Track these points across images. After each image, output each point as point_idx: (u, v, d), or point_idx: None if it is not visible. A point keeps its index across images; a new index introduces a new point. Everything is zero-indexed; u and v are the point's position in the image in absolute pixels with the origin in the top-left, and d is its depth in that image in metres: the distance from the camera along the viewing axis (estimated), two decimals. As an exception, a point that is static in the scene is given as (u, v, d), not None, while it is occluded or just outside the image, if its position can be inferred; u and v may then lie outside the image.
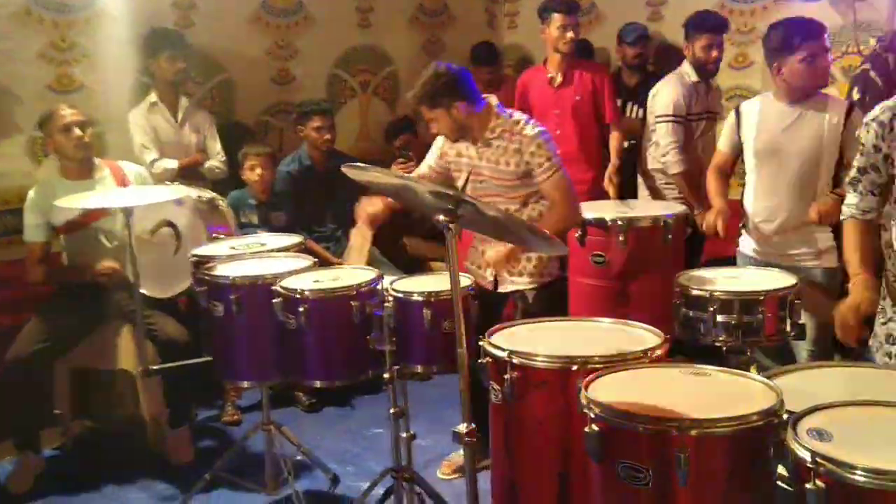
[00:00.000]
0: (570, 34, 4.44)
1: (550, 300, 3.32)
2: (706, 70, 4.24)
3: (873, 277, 2.36)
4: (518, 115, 3.27)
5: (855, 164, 2.42)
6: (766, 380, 1.98)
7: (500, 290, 3.34)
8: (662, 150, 4.23)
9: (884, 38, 4.18)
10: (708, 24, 4.23)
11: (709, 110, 4.37)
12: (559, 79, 4.57)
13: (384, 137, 5.52)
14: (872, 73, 4.14)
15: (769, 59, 3.35)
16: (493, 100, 3.26)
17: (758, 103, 3.46)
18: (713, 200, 3.55)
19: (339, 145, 4.89)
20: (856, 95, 4.14)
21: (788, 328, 2.97)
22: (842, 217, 2.55)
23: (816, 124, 3.28)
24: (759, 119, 3.41)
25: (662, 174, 4.36)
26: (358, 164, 2.28)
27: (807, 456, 1.58)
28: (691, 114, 4.24)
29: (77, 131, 3.71)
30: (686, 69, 4.27)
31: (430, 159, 3.45)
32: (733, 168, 3.62)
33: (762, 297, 2.92)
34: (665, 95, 4.25)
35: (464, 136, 3.23)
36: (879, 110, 2.32)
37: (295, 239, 3.59)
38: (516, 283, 3.33)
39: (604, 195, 4.46)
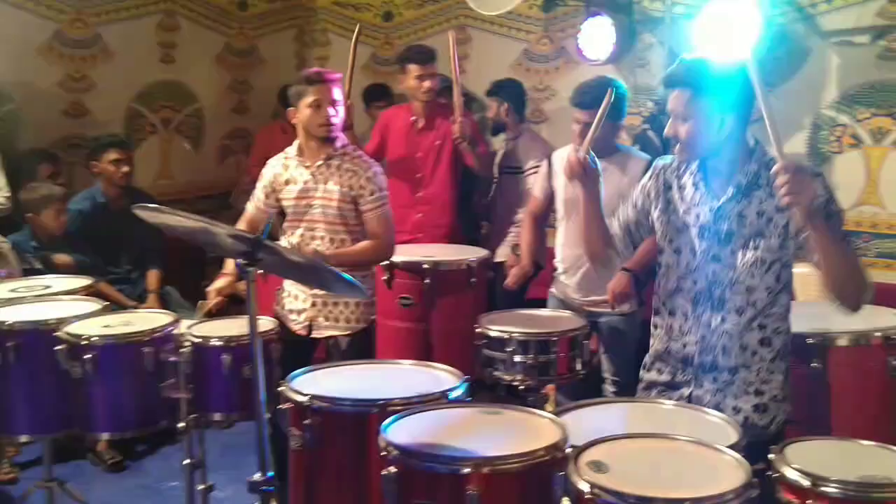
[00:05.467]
0: (427, 83, 4.39)
1: (364, 346, 3.34)
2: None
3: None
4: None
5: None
6: (553, 416, 2.09)
7: (315, 335, 3.30)
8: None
9: (660, 101, 4.61)
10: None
11: None
12: (421, 123, 4.53)
13: None
14: (651, 133, 4.57)
15: None
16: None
17: (566, 153, 3.64)
18: (522, 253, 3.92)
19: (138, 183, 4.68)
20: (637, 152, 4.53)
21: (579, 367, 3.16)
22: None
23: (617, 179, 3.46)
24: None
25: None
26: (152, 205, 2.19)
27: (585, 487, 1.69)
28: None
29: None
30: None
31: (259, 199, 3.40)
32: (547, 213, 3.84)
33: (556, 338, 3.09)
34: None
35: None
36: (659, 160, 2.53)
37: (83, 281, 3.39)
38: (332, 328, 3.30)
39: (461, 241, 4.48)
